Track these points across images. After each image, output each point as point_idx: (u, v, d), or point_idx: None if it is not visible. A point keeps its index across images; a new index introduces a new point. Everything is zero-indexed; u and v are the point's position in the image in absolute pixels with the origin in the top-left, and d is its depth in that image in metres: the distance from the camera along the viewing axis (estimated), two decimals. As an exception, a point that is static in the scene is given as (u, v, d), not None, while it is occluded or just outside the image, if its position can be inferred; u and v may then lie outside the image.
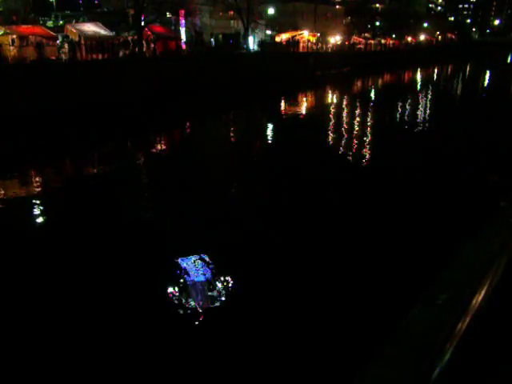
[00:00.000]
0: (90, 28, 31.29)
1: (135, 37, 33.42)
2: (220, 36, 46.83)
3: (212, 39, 45.67)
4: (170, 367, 5.74)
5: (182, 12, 41.15)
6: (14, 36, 26.28)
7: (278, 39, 52.13)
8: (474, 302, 1.78)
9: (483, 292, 1.87)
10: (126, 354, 5.96)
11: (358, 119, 25.56)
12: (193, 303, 6.95)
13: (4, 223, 10.45)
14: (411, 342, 1.52)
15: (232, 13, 46.88)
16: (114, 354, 5.96)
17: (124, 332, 6.37)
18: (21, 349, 6.07)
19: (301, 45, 51.89)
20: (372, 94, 39.94)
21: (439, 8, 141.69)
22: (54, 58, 27.37)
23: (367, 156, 16.81)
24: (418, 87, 45.15)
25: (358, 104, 32.08)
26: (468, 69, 71.87)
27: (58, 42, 28.97)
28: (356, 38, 69.30)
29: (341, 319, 6.55)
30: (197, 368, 5.72)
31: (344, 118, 26.07)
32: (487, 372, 1.89)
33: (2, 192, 12.90)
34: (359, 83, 50.01)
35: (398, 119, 26.03)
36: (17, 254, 8.75)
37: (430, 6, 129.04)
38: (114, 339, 6.25)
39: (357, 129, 22.59)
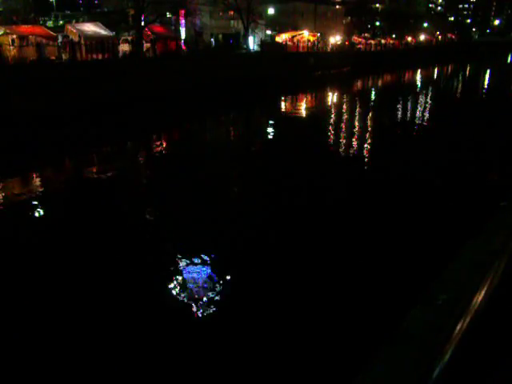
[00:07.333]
0: (90, 28, 31.24)
1: (135, 37, 33.40)
2: (220, 36, 46.84)
3: (212, 39, 45.66)
4: (170, 367, 5.75)
5: (182, 12, 41.13)
6: (14, 36, 26.27)
7: (278, 39, 52.07)
8: (474, 301, 1.78)
9: (483, 292, 1.87)
10: (126, 354, 5.97)
11: (357, 119, 25.54)
12: (193, 302, 6.96)
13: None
14: (411, 342, 1.52)
15: (232, 13, 46.83)
16: (113, 353, 5.97)
17: (124, 332, 6.38)
18: (21, 346, 6.08)
19: (301, 45, 51.84)
20: (372, 95, 39.88)
21: (439, 8, 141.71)
22: (53, 57, 27.35)
23: (366, 156, 16.79)
24: (418, 88, 45.08)
25: (357, 105, 32.05)
26: (468, 69, 71.80)
27: (58, 42, 28.94)
28: (356, 38, 69.27)
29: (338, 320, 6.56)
30: (198, 367, 5.74)
31: (344, 119, 26.02)
32: (487, 372, 1.89)
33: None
34: (359, 83, 49.95)
35: (397, 119, 25.99)
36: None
37: (430, 6, 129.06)
38: (115, 339, 6.26)
39: (357, 129, 22.56)
